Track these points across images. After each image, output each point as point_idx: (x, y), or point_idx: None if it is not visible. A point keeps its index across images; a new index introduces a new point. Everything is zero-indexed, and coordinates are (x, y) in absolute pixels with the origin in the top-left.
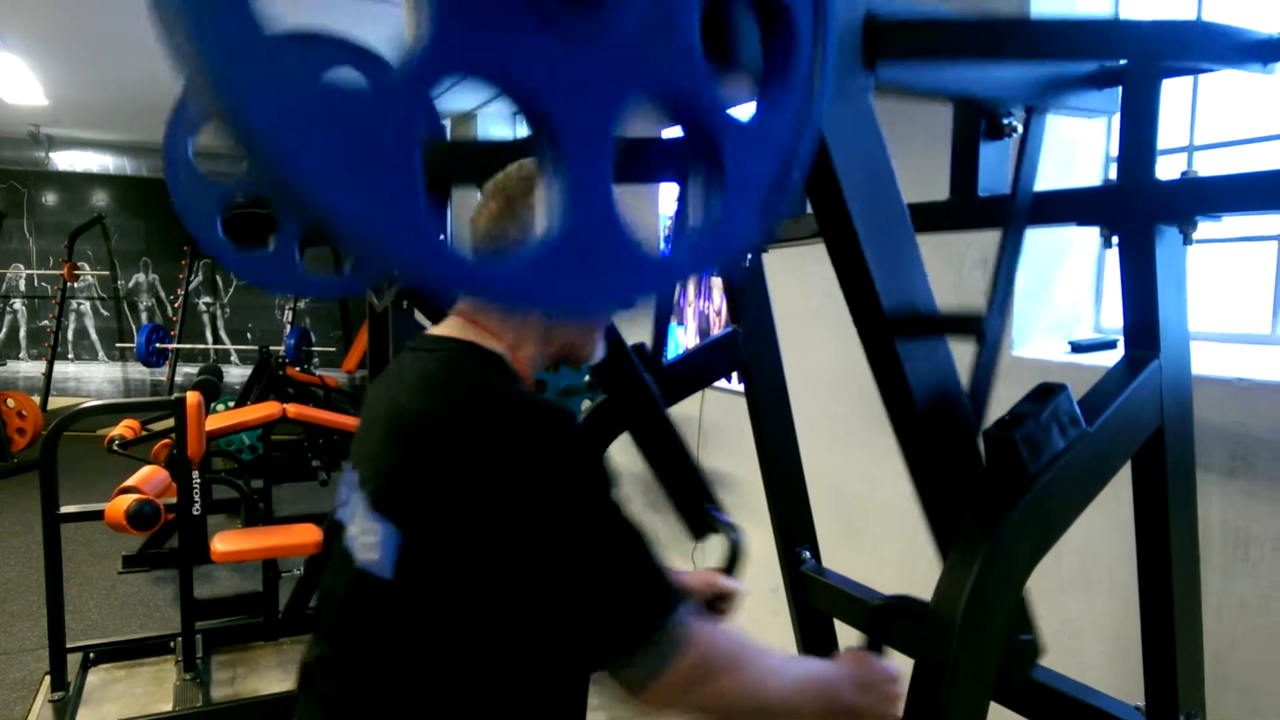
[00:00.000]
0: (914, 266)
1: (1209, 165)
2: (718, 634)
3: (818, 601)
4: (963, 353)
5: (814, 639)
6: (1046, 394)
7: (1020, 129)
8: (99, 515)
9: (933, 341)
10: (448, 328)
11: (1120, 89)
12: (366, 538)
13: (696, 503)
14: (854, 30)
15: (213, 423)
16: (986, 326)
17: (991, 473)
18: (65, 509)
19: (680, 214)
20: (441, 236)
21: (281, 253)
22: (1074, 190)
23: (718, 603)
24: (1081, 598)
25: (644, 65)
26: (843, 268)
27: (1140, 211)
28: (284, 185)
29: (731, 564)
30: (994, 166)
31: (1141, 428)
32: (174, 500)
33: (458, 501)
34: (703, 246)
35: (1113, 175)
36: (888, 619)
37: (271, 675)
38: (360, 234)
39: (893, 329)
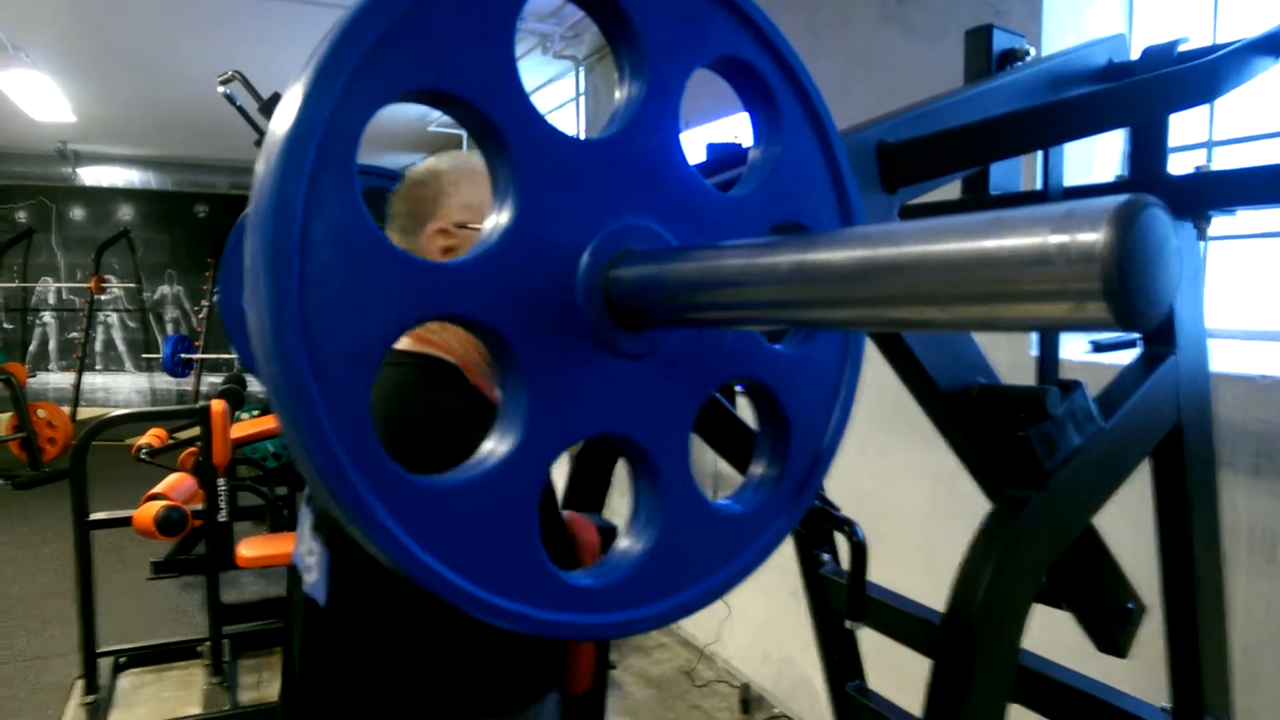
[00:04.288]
0: None
1: (1230, 160)
2: None
3: (837, 604)
4: (1020, 360)
5: (834, 642)
6: (1063, 391)
7: None
8: (128, 521)
9: None
10: (403, 342)
11: None
12: (309, 558)
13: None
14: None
15: (237, 431)
16: None
17: (1008, 470)
18: (95, 515)
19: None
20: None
21: None
22: (1085, 187)
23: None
24: None
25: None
26: None
27: None
28: None
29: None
30: (1007, 166)
31: (1158, 423)
32: (201, 507)
33: None
34: (781, 496)
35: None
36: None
37: None
38: None
39: None
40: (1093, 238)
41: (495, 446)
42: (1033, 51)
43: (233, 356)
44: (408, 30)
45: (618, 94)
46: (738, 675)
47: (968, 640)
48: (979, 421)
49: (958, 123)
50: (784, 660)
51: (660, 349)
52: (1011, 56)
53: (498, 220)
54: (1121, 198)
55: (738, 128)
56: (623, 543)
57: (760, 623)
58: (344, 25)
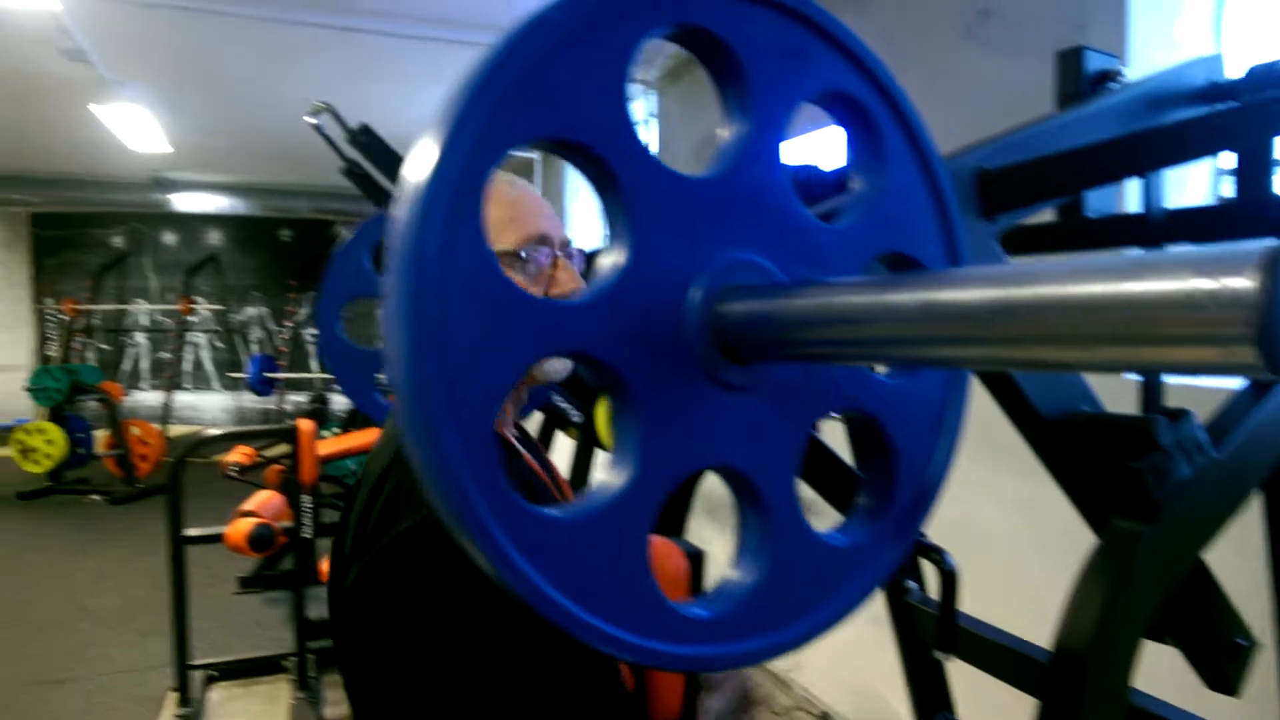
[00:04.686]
0: None
1: None
2: None
3: (924, 634)
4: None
5: (921, 672)
6: (1171, 419)
7: None
8: (219, 538)
9: None
10: None
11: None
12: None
13: None
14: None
15: (322, 449)
16: None
17: (1115, 501)
18: (189, 532)
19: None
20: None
21: None
22: (1188, 210)
23: None
24: None
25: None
26: None
27: (1258, 228)
28: None
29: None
30: (1103, 188)
31: (1270, 453)
32: (288, 524)
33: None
34: (887, 529)
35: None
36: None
37: None
38: None
39: None
40: (1244, 284)
41: (611, 480)
42: (1125, 72)
43: (314, 376)
44: (534, 81)
45: (722, 131)
46: (817, 703)
47: (1079, 679)
48: (1084, 451)
49: (1057, 148)
50: (865, 689)
51: (766, 381)
52: (1104, 78)
53: (613, 260)
54: (1269, 243)
55: (811, 146)
56: (731, 574)
57: (840, 649)
58: (476, 79)
